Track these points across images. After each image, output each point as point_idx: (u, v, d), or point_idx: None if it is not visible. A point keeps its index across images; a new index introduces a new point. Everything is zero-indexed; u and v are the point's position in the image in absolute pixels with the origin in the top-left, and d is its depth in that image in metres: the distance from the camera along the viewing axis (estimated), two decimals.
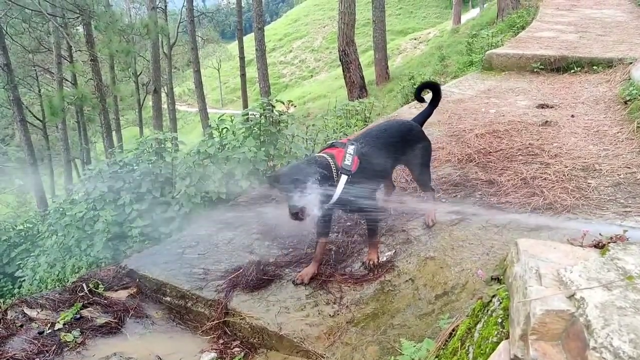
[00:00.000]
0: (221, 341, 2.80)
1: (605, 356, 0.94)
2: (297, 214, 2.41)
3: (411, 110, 5.23)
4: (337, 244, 3.25)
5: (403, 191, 3.77)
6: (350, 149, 2.75)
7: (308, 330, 2.60)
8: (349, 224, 3.43)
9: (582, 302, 1.06)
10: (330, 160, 2.70)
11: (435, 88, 3.31)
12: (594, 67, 6.51)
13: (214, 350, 2.73)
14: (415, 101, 3.54)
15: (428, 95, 3.48)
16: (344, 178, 2.66)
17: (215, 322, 2.85)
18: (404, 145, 3.05)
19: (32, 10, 15.06)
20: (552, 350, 1.06)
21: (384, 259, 3.00)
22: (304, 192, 2.43)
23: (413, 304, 2.63)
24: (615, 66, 6.29)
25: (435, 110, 3.41)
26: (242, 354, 2.68)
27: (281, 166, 4.34)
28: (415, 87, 8.32)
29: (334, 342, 2.52)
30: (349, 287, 2.86)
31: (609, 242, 1.32)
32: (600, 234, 1.36)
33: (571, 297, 1.09)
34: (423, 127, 3.28)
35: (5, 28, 14.26)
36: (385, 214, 3.36)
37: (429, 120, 4.96)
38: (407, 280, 2.80)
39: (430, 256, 2.91)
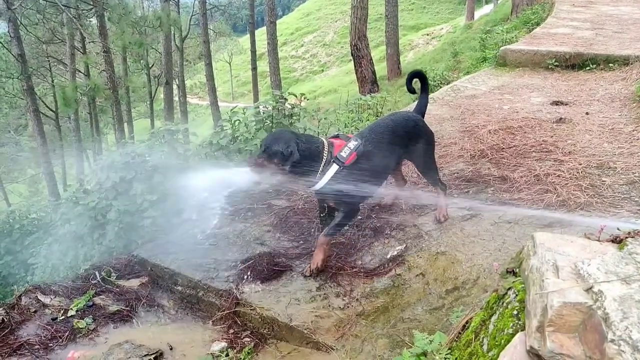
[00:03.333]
0: (231, 331, 2.81)
1: (623, 348, 0.93)
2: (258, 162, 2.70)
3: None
4: (348, 236, 3.26)
5: (415, 185, 3.76)
6: (352, 144, 2.77)
7: (318, 322, 2.61)
8: (359, 217, 3.42)
9: (600, 295, 1.05)
10: (327, 146, 2.75)
11: (421, 76, 3.31)
12: (610, 65, 6.43)
13: (225, 340, 2.75)
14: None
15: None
16: (334, 167, 2.70)
17: (225, 312, 2.87)
18: (409, 140, 3.04)
19: (46, 1, 15.16)
20: (569, 342, 1.06)
21: (395, 252, 3.00)
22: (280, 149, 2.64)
23: (423, 298, 2.63)
24: (631, 64, 6.21)
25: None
26: (252, 344, 2.69)
27: None
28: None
29: (343, 334, 2.53)
30: (359, 280, 2.86)
31: (626, 237, 1.31)
32: (618, 229, 1.35)
33: (589, 290, 1.09)
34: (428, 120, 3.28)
35: (20, 19, 14.37)
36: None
37: (442, 115, 4.96)
38: (417, 275, 2.80)
39: (441, 251, 2.90)
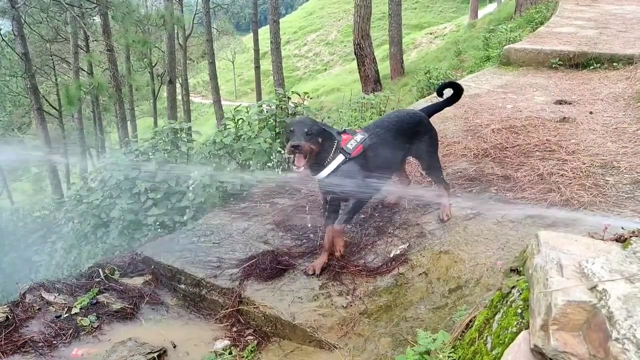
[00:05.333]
0: (234, 329, 2.82)
1: (627, 347, 0.93)
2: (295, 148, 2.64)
3: (427, 105, 5.19)
4: (351, 236, 3.26)
5: (418, 185, 3.76)
6: (358, 137, 2.85)
7: (321, 320, 2.61)
8: (362, 216, 3.43)
9: (605, 294, 1.05)
10: (337, 138, 2.81)
11: (457, 89, 3.29)
12: (614, 64, 6.40)
13: (228, 338, 2.75)
14: (431, 96, 3.55)
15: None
16: (340, 157, 2.76)
17: (229, 310, 2.88)
18: (413, 136, 3.08)
19: None
20: (573, 341, 1.06)
21: (398, 251, 3.00)
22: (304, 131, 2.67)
23: (426, 297, 2.63)
24: (635, 63, 6.18)
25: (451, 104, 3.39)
26: (255, 342, 2.70)
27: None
28: (430, 80, 8.27)
29: (346, 333, 2.53)
30: (362, 279, 2.87)
31: (631, 236, 1.31)
32: (622, 228, 1.35)
33: (593, 288, 1.09)
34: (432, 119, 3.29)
35: (24, 17, 14.38)
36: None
37: (445, 114, 4.95)
38: (420, 274, 2.80)
39: (444, 250, 2.90)
